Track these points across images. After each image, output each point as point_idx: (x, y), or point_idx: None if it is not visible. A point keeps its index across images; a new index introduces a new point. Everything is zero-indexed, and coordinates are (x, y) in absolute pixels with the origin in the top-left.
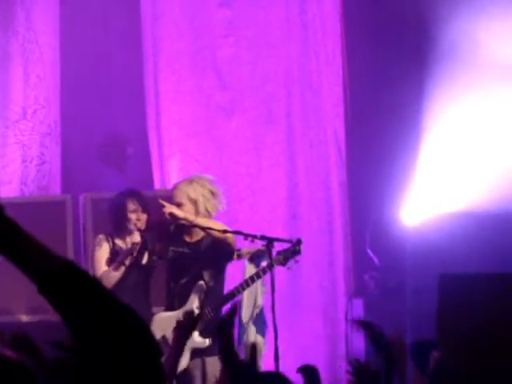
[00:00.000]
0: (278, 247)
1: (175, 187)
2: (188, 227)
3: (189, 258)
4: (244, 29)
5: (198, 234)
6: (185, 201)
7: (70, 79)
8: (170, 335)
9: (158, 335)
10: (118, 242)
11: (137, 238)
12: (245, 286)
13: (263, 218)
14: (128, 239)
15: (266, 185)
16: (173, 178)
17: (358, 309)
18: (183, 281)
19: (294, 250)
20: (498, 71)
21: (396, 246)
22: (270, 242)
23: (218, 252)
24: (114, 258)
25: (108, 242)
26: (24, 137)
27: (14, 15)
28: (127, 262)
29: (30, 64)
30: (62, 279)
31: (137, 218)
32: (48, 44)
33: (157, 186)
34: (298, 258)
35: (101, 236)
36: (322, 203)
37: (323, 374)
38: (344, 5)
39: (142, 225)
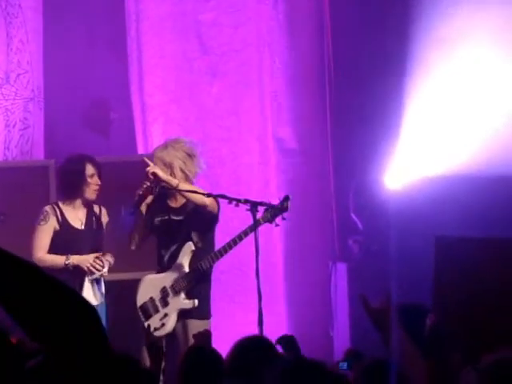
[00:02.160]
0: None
1: (152, 154)
2: (171, 192)
3: (176, 224)
4: None
5: (183, 197)
6: (161, 166)
7: (53, 44)
8: (156, 296)
9: (145, 297)
10: (68, 212)
11: (84, 211)
12: (232, 244)
13: (240, 183)
14: (79, 211)
15: (243, 150)
16: (156, 143)
17: (342, 273)
18: (173, 247)
19: (281, 208)
20: (484, 28)
21: (380, 209)
22: (253, 205)
23: (203, 213)
24: (63, 231)
25: (55, 214)
26: (7, 101)
27: None
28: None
29: (13, 28)
30: None
31: (96, 182)
32: (31, 8)
33: (140, 150)
34: (285, 214)
35: (47, 208)
36: (295, 169)
37: (307, 338)
38: None
39: (98, 192)
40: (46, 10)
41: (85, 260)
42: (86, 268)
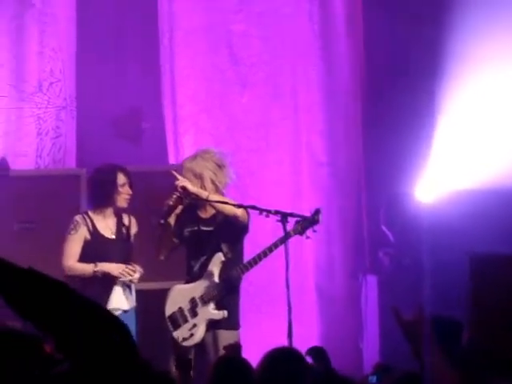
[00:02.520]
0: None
1: (181, 165)
2: (201, 202)
3: (206, 235)
4: (255, 4)
5: (213, 208)
6: (191, 177)
7: (86, 53)
8: (185, 306)
9: (174, 307)
10: (98, 222)
11: (114, 220)
12: (262, 255)
13: (270, 193)
14: (109, 221)
15: (273, 161)
16: (187, 153)
17: (373, 286)
18: (203, 258)
19: (312, 220)
20: None
21: (411, 222)
22: (284, 216)
23: (233, 223)
24: (93, 240)
25: (86, 224)
26: (40, 110)
27: None
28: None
29: (46, 37)
30: (22, 287)
31: (127, 192)
32: (64, 17)
33: (171, 160)
34: (316, 227)
35: (78, 218)
36: (327, 181)
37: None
38: None
39: (129, 201)
40: (79, 19)
41: (115, 267)
42: (116, 274)
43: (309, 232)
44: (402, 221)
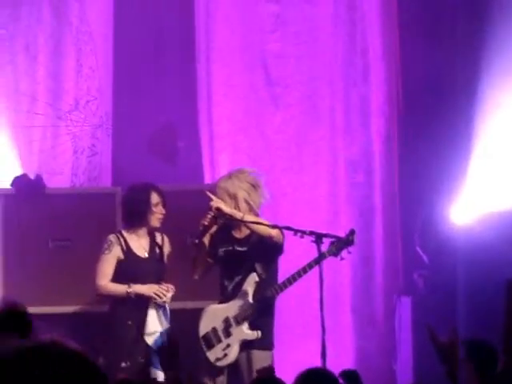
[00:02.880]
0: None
1: (215, 185)
2: (236, 222)
3: (241, 255)
4: (291, 24)
5: (248, 229)
6: (225, 197)
7: (123, 71)
8: (219, 326)
9: (208, 327)
10: (132, 241)
11: (147, 239)
12: (296, 276)
13: (304, 214)
14: (142, 240)
15: (307, 181)
16: (222, 173)
17: (406, 307)
18: (237, 278)
19: (347, 241)
20: None
21: (446, 244)
22: (318, 237)
23: (268, 244)
24: (127, 260)
25: (120, 243)
26: (76, 128)
27: (67, 6)
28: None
29: (83, 55)
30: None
31: (161, 211)
32: (101, 35)
33: (207, 179)
34: (351, 248)
35: (111, 237)
36: (362, 202)
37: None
38: (398, 3)
39: (162, 220)
40: (116, 38)
41: (147, 288)
42: (149, 295)
43: (343, 253)
44: (437, 243)
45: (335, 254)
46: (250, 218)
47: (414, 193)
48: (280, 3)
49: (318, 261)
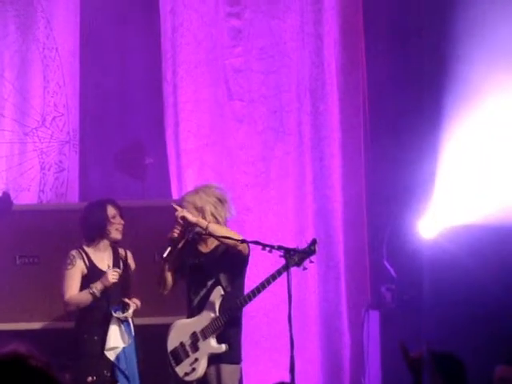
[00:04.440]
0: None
1: (182, 199)
2: (202, 237)
3: (206, 269)
4: (255, 39)
5: (214, 242)
6: (192, 210)
7: (89, 87)
8: (187, 341)
9: (176, 342)
10: (93, 255)
11: (110, 253)
12: (261, 288)
13: (271, 228)
14: (105, 254)
15: (274, 196)
16: (190, 188)
17: (375, 321)
18: (203, 292)
19: (309, 251)
20: None
21: (413, 257)
22: (287, 251)
23: (234, 257)
24: (91, 274)
25: (82, 258)
26: (43, 144)
27: (34, 22)
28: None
29: (50, 71)
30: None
31: (119, 222)
32: (68, 51)
33: (174, 195)
34: (313, 258)
35: (73, 253)
36: (329, 216)
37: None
38: (364, 17)
39: (122, 231)
40: (82, 54)
41: (105, 279)
42: (110, 280)
43: (306, 263)
44: (405, 255)
45: (298, 265)
46: (214, 226)
47: (381, 206)
48: (241, 18)
49: (282, 272)
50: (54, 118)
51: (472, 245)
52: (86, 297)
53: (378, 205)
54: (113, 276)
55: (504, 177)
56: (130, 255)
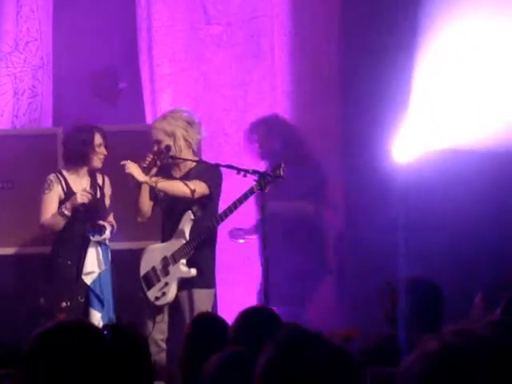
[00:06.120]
0: None
1: (152, 126)
2: (175, 162)
3: None
4: None
5: (186, 166)
6: (163, 137)
7: (63, 12)
8: (158, 266)
9: (148, 266)
10: (72, 181)
11: (87, 179)
12: (233, 207)
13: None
14: (83, 180)
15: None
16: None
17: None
18: (175, 218)
19: (274, 175)
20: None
21: (387, 183)
22: (261, 176)
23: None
24: (67, 198)
25: (59, 183)
26: (16, 69)
27: None
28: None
29: None
30: None
31: (103, 152)
32: None
33: (148, 120)
34: (278, 183)
35: (51, 177)
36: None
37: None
38: None
39: (102, 161)
40: None
41: (74, 197)
42: (78, 200)
43: (270, 188)
44: (379, 182)
45: (263, 189)
46: (163, 183)
47: (357, 132)
48: None
49: (249, 194)
50: (27, 43)
51: (448, 169)
52: (57, 218)
53: (354, 129)
54: (81, 196)
55: (483, 101)
56: (107, 181)
